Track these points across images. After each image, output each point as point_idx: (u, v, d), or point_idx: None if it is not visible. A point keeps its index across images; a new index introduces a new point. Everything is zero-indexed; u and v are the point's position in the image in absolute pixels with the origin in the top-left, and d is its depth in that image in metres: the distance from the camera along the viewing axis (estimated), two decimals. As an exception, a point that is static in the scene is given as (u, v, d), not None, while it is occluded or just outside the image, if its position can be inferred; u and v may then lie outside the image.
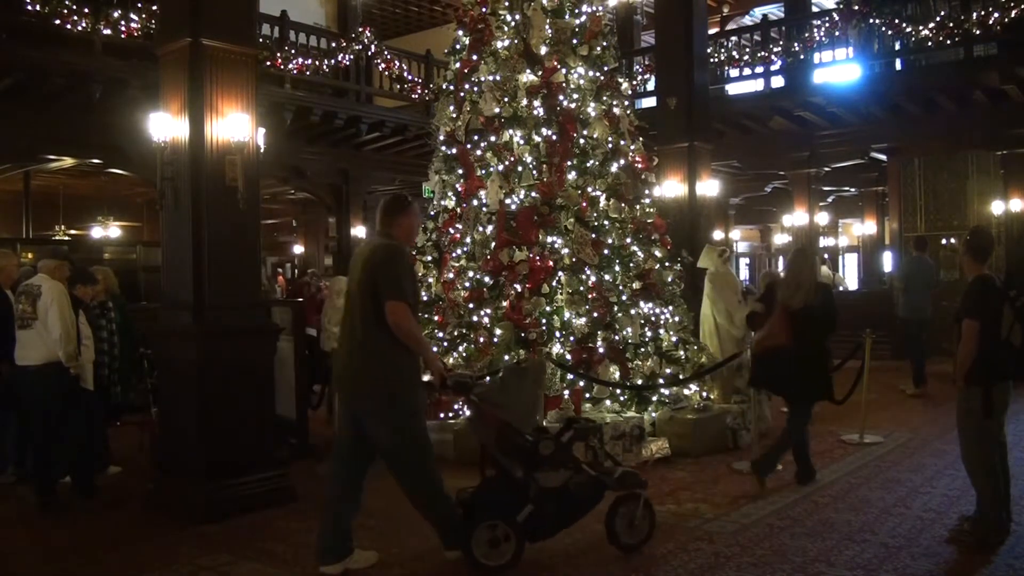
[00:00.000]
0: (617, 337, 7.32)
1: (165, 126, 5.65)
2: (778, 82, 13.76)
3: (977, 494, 4.75)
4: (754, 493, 5.70)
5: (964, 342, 4.59)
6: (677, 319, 7.95)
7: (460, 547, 4.32)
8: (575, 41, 7.96)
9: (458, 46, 8.34)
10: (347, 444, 4.36)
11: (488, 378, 4.60)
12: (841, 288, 17.89)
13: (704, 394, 7.52)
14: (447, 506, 4.38)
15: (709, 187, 10.54)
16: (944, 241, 13.10)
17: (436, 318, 7.78)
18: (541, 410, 4.52)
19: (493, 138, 7.77)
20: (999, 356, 4.57)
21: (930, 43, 11.89)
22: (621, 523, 4.55)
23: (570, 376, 6.96)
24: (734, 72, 14.10)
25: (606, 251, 7.60)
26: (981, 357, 4.54)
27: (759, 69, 13.73)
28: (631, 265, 7.77)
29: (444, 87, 8.74)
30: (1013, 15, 11.03)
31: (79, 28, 9.79)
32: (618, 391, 7.18)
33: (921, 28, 11.82)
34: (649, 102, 13.47)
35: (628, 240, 7.83)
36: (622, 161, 8.02)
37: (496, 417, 4.30)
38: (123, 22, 10.11)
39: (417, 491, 4.36)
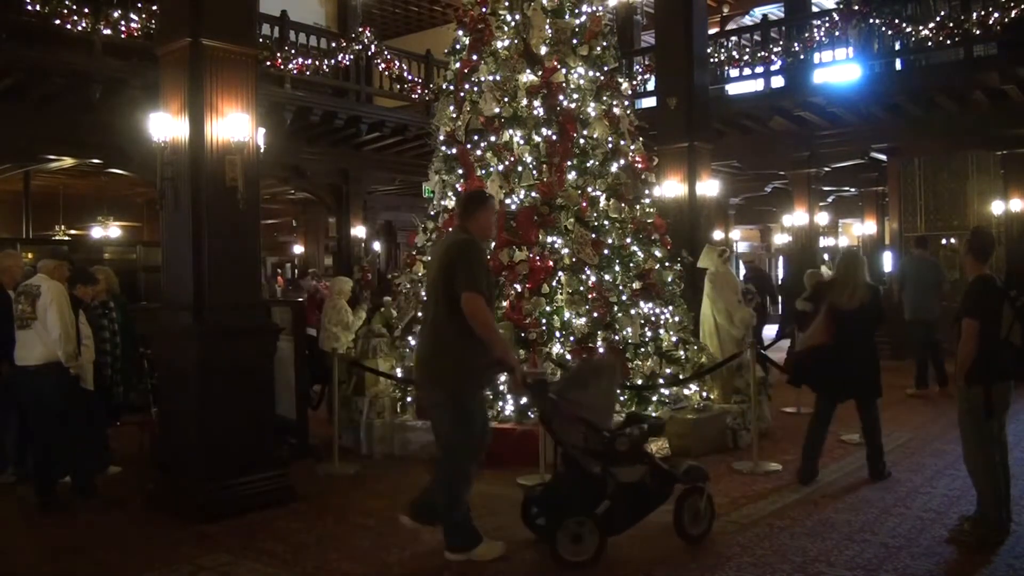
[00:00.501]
0: (617, 337, 7.32)
1: (165, 126, 5.65)
2: (778, 82, 13.75)
3: (978, 494, 4.75)
4: (754, 493, 5.70)
5: (964, 342, 4.60)
6: (677, 319, 7.96)
7: (464, 551, 4.40)
8: (575, 41, 7.97)
9: (458, 46, 8.34)
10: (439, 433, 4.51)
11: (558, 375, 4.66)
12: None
13: (704, 394, 7.52)
14: (466, 511, 4.47)
15: (709, 187, 10.54)
16: (944, 241, 13.09)
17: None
18: (615, 408, 4.70)
19: (493, 138, 7.77)
20: (999, 356, 4.58)
21: (930, 43, 11.88)
22: (688, 515, 4.67)
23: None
24: (734, 72, 14.09)
25: (606, 251, 7.60)
26: (981, 357, 4.55)
27: (759, 69, 13.73)
28: (631, 265, 7.77)
29: (444, 87, 8.74)
30: (1013, 15, 11.02)
31: (79, 28, 9.79)
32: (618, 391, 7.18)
33: (921, 28, 11.81)
34: (649, 102, 13.47)
35: (628, 240, 7.83)
36: (622, 161, 8.03)
37: (575, 415, 4.37)
38: (123, 22, 10.11)
39: (448, 487, 4.39)
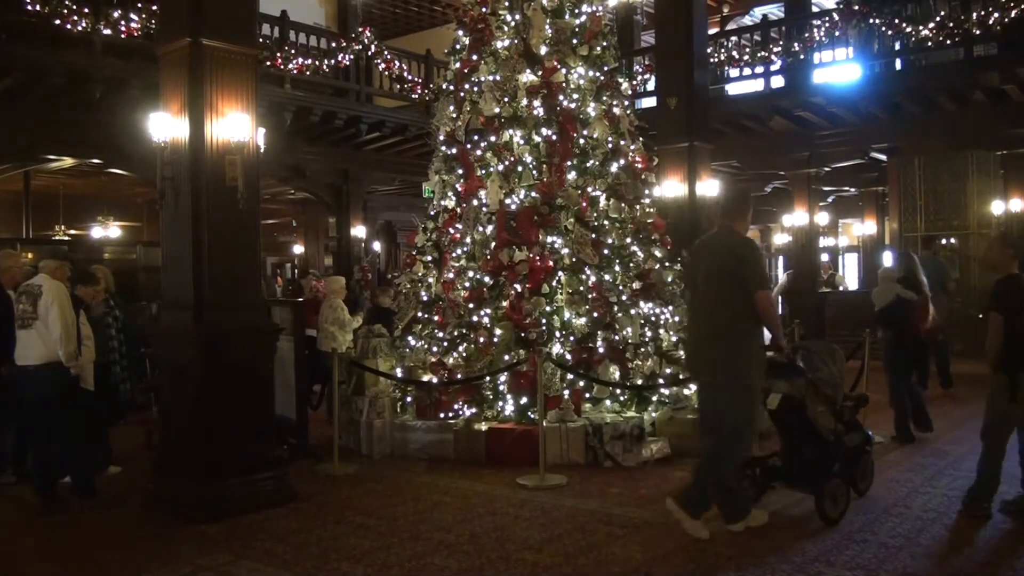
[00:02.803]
0: (617, 337, 7.32)
1: (165, 126, 5.64)
2: (778, 82, 13.76)
3: (980, 466, 5.10)
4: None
5: (991, 334, 5.02)
6: (677, 319, 7.95)
7: (740, 520, 4.77)
8: (575, 41, 7.97)
9: (458, 46, 8.34)
10: (712, 416, 4.79)
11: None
12: (841, 288, 17.91)
13: (704, 394, 7.51)
14: (741, 483, 4.87)
15: (709, 187, 10.54)
16: (943, 241, 13.07)
17: (436, 318, 7.78)
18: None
19: (493, 138, 7.78)
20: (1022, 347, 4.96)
21: (930, 43, 11.89)
22: (861, 471, 5.41)
23: (570, 376, 6.97)
24: (734, 72, 14.09)
25: (606, 251, 7.60)
26: (1007, 348, 4.94)
27: (759, 69, 13.72)
28: (631, 265, 7.77)
29: (444, 87, 8.75)
30: (1013, 15, 11.03)
31: (79, 28, 9.79)
32: (618, 391, 7.18)
33: (921, 28, 11.81)
34: (649, 102, 13.47)
35: (628, 240, 7.84)
36: (622, 161, 8.03)
37: (824, 392, 5.01)
38: (123, 22, 10.11)
39: (723, 463, 4.71)
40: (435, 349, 7.53)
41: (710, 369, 4.77)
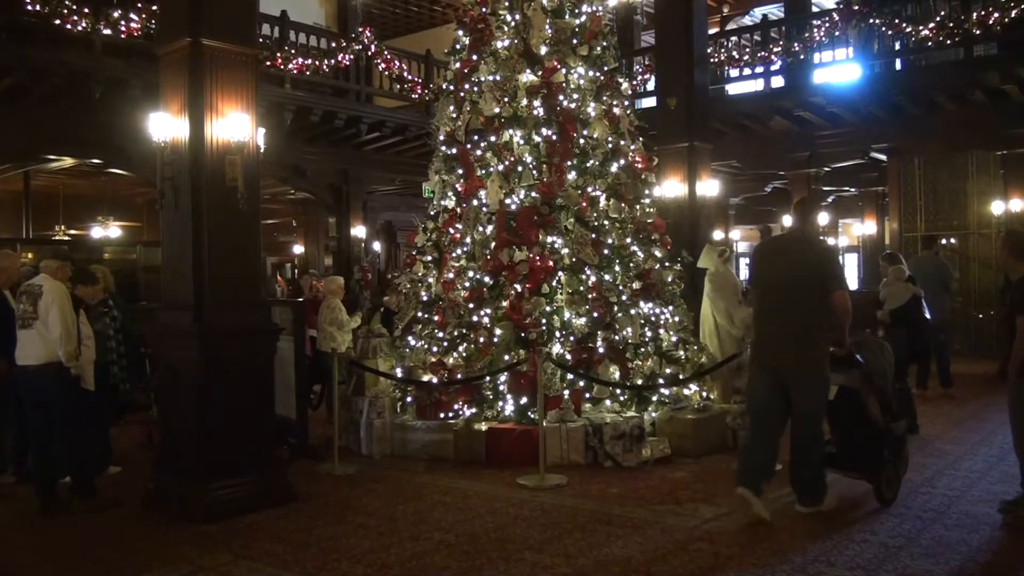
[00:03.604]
0: (617, 337, 7.32)
1: (165, 126, 5.64)
2: (778, 82, 13.75)
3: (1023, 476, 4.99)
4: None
5: (1020, 339, 4.83)
6: (677, 319, 7.96)
7: (817, 504, 5.09)
8: (575, 41, 7.97)
9: (458, 46, 8.34)
10: (765, 405, 5.15)
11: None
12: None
13: (704, 394, 7.52)
14: (822, 467, 5.19)
15: (709, 187, 10.54)
16: (944, 241, 13.06)
17: (436, 318, 7.78)
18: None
19: (493, 138, 7.78)
20: None
21: (930, 43, 11.88)
22: (902, 458, 5.63)
23: (570, 376, 6.97)
24: (734, 72, 14.09)
25: (606, 251, 7.60)
26: None
27: (759, 69, 13.72)
28: (631, 265, 7.77)
29: (444, 87, 8.74)
30: (1013, 15, 11.02)
31: (79, 28, 9.79)
32: (618, 391, 7.18)
33: (921, 28, 11.81)
34: (649, 102, 13.47)
35: (628, 240, 7.83)
36: (622, 161, 8.03)
37: (878, 384, 5.38)
38: (123, 22, 10.11)
39: (809, 446, 5.09)
40: (435, 349, 7.53)
41: (793, 362, 5.01)
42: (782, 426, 5.15)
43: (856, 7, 12.43)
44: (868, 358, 5.39)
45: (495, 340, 7.20)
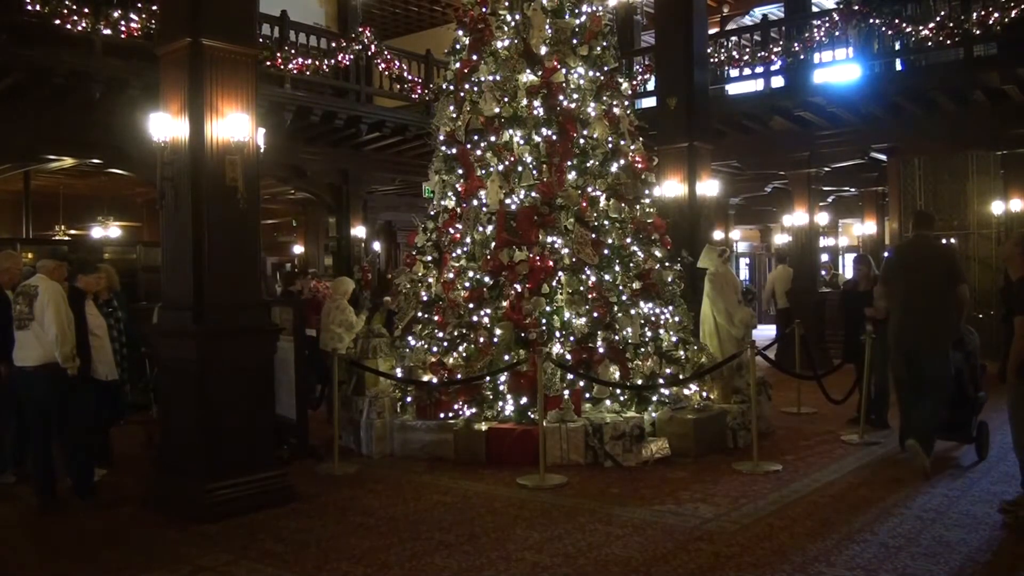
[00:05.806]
0: (617, 337, 7.32)
1: (165, 126, 5.65)
2: (778, 82, 13.73)
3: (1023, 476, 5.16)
4: (754, 493, 5.70)
5: (1017, 338, 4.93)
6: (677, 319, 7.96)
7: (925, 451, 5.96)
8: (575, 41, 7.97)
9: (458, 46, 8.34)
10: (907, 378, 6.35)
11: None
12: (841, 287, 17.87)
13: (704, 394, 7.52)
14: (938, 426, 6.21)
15: (709, 187, 10.53)
16: (944, 241, 13.05)
17: (436, 318, 7.78)
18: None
19: (493, 138, 7.78)
20: None
21: (930, 43, 11.86)
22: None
23: (570, 376, 6.97)
24: (734, 72, 14.07)
25: (606, 251, 7.60)
26: None
27: (759, 69, 13.71)
28: (631, 265, 7.77)
29: (444, 87, 8.74)
30: (1013, 15, 11.01)
31: (79, 28, 9.77)
32: (618, 391, 7.18)
33: (921, 28, 11.79)
34: (649, 102, 13.46)
35: (628, 240, 7.83)
36: (622, 161, 8.03)
37: (974, 361, 6.52)
38: (123, 22, 10.09)
39: (936, 407, 6.10)
40: (435, 349, 7.53)
41: (931, 342, 6.15)
42: (920, 392, 6.20)
43: (856, 7, 12.41)
44: (965, 340, 6.40)
45: (495, 340, 7.20)
